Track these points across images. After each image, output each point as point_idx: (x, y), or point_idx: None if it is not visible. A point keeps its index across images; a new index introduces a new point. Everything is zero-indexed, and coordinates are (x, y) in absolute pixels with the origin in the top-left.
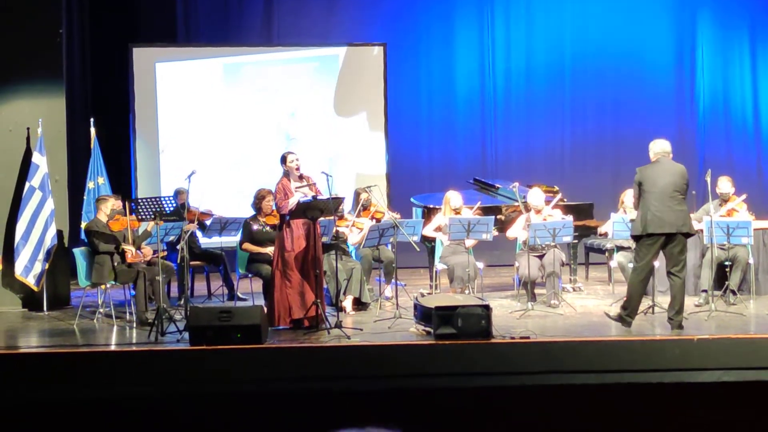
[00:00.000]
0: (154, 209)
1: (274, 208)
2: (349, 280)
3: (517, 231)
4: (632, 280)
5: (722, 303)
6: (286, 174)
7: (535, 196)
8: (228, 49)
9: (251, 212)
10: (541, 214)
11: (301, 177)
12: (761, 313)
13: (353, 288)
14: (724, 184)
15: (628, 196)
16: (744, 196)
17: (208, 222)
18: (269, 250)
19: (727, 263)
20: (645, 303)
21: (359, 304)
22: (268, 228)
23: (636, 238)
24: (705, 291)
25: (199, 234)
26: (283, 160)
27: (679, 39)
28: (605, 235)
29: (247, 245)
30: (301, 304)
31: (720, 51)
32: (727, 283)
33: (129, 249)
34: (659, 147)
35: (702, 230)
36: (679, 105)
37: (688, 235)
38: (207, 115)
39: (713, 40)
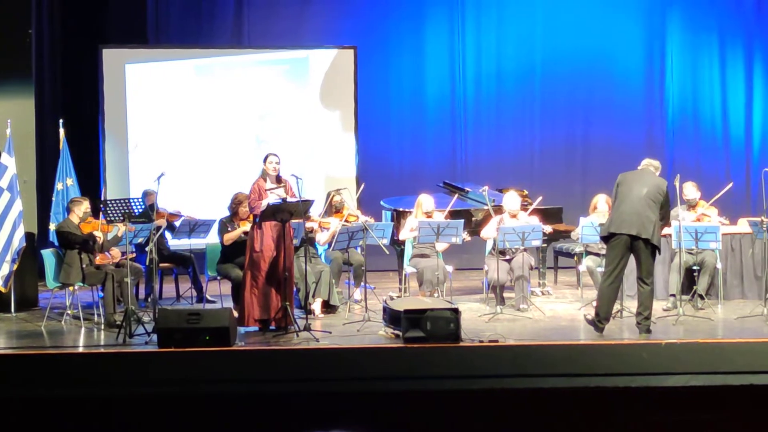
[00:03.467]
0: (122, 210)
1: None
2: (318, 282)
3: (491, 231)
4: (601, 285)
5: (690, 307)
6: (263, 174)
7: (511, 199)
8: (198, 51)
9: (220, 214)
10: (517, 218)
11: (278, 179)
12: (729, 318)
13: (322, 290)
14: (690, 190)
15: (601, 200)
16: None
17: (177, 223)
18: (243, 229)
19: (695, 268)
20: (614, 307)
21: (328, 307)
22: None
23: (604, 239)
24: (673, 295)
25: (168, 236)
26: (264, 160)
27: (648, 44)
28: (578, 237)
29: (226, 235)
30: (266, 306)
31: (689, 56)
32: (695, 287)
33: (98, 253)
34: (649, 160)
35: (671, 235)
36: (648, 110)
37: (652, 244)
38: (177, 117)
39: (683, 45)
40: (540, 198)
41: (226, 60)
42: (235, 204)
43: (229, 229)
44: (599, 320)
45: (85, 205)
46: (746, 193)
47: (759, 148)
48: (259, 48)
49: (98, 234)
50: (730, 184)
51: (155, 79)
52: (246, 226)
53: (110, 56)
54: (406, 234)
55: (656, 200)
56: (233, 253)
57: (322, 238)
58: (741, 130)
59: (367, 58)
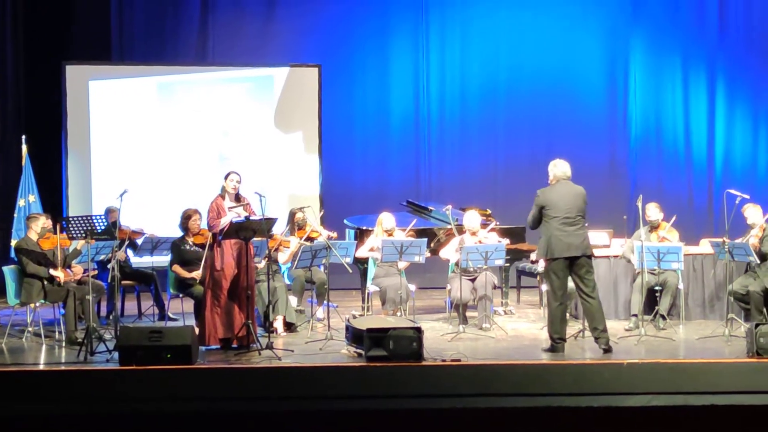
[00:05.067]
0: (85, 227)
1: (203, 226)
2: (275, 300)
3: (450, 252)
4: (551, 307)
5: (652, 328)
6: (222, 192)
7: (471, 218)
8: (162, 68)
9: (180, 233)
10: (476, 236)
11: (237, 198)
12: (690, 338)
13: (280, 308)
14: (653, 211)
15: None
16: (672, 220)
17: (139, 241)
18: (196, 274)
19: (657, 288)
20: (575, 327)
21: (286, 324)
22: (196, 247)
23: (545, 264)
24: (635, 315)
25: (130, 253)
26: (225, 177)
27: (612, 65)
28: (537, 262)
29: (176, 268)
30: (228, 324)
31: (653, 77)
32: (657, 307)
33: (58, 275)
34: (561, 170)
35: (633, 255)
36: (611, 130)
37: (590, 257)
38: (140, 134)
39: (646, 66)
40: (495, 223)
41: (190, 77)
42: (185, 219)
43: (183, 248)
44: (556, 341)
45: (43, 221)
46: (709, 214)
47: (721, 169)
48: (223, 66)
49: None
50: (674, 218)
51: (119, 96)
52: (196, 272)
53: (74, 73)
54: (363, 252)
55: (584, 213)
56: (194, 270)
57: (281, 257)
58: (703, 151)
59: (332, 77)
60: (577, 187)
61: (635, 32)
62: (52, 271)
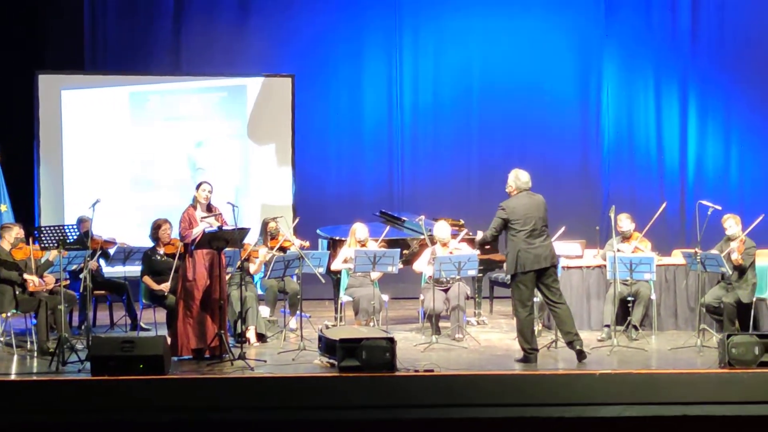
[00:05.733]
0: (57, 237)
1: (173, 236)
2: (246, 310)
3: (422, 265)
4: (521, 318)
5: (624, 338)
6: (194, 202)
7: (441, 229)
8: (135, 78)
9: (150, 243)
10: (447, 247)
11: (208, 208)
12: (663, 349)
13: (250, 318)
14: (624, 222)
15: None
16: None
17: (111, 251)
18: (164, 286)
19: (629, 299)
20: (548, 337)
21: (258, 336)
22: (167, 258)
23: (512, 275)
24: (607, 326)
25: (102, 263)
26: (197, 187)
27: (585, 75)
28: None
29: (146, 279)
30: (201, 334)
31: (625, 89)
32: (629, 318)
33: (31, 279)
34: (523, 181)
35: (605, 265)
36: (584, 140)
37: (555, 265)
38: (113, 144)
39: (619, 78)
40: (465, 231)
41: (163, 87)
42: (155, 229)
43: (153, 258)
44: (529, 351)
45: (16, 231)
46: (681, 225)
47: (693, 180)
48: (195, 76)
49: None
50: (664, 204)
51: (92, 106)
52: (164, 285)
53: (46, 82)
54: (338, 264)
55: (546, 221)
56: (165, 280)
57: (251, 267)
58: (676, 162)
59: (305, 86)
60: (537, 196)
61: (608, 43)
62: (26, 275)
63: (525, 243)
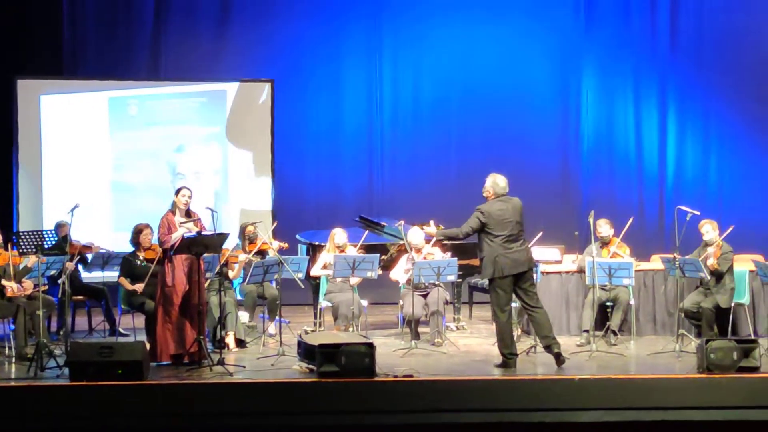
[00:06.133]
0: (35, 242)
1: (154, 242)
2: (225, 315)
3: (398, 274)
4: (501, 323)
5: (603, 343)
6: (173, 208)
7: (414, 235)
8: (114, 83)
9: (131, 248)
10: (421, 253)
11: (187, 213)
12: (641, 354)
13: (229, 324)
14: (604, 227)
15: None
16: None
17: (89, 256)
18: (137, 286)
19: (608, 304)
20: (527, 343)
21: (237, 342)
22: (147, 263)
23: (490, 280)
24: (587, 331)
25: (81, 269)
26: (176, 192)
27: (564, 81)
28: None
29: (122, 280)
30: (180, 340)
31: (605, 95)
32: (608, 323)
33: (10, 285)
34: (501, 186)
35: (585, 271)
36: (563, 146)
37: (533, 269)
38: (92, 148)
39: (598, 84)
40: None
41: (143, 92)
42: (136, 234)
43: (133, 263)
44: (508, 357)
45: None
46: (660, 230)
47: (672, 185)
48: (175, 81)
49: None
50: (631, 219)
51: (71, 111)
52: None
53: (25, 87)
54: (318, 270)
55: (522, 225)
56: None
57: (232, 273)
58: (655, 167)
59: (285, 91)
60: (514, 199)
61: (588, 48)
62: (4, 281)
63: (502, 248)
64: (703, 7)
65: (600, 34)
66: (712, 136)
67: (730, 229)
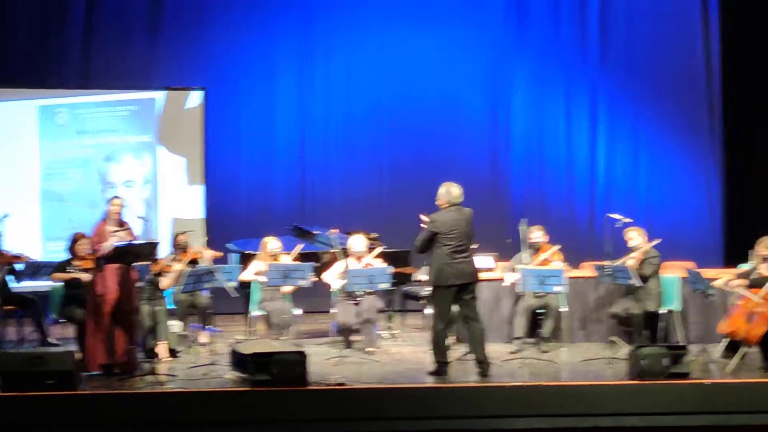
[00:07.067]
0: None
1: (89, 252)
2: (157, 324)
3: (332, 277)
4: (437, 331)
5: (535, 350)
6: (105, 217)
7: (357, 242)
8: (43, 91)
9: (66, 257)
10: (361, 261)
11: (120, 223)
12: (573, 361)
13: (160, 333)
14: (536, 234)
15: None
16: (558, 247)
17: (19, 266)
18: (81, 275)
19: (540, 311)
20: (460, 350)
21: (169, 351)
22: (81, 272)
23: (434, 287)
24: (518, 338)
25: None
26: (108, 202)
27: (495, 89)
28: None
29: (56, 274)
30: (110, 350)
31: (535, 102)
32: (539, 330)
33: None
34: (454, 195)
35: (503, 280)
36: (494, 155)
37: (476, 282)
38: (22, 157)
39: (529, 91)
40: (383, 247)
41: (72, 100)
42: (72, 242)
43: (66, 270)
44: (442, 364)
45: None
46: (591, 237)
47: (602, 192)
48: (105, 89)
49: None
50: (558, 247)
51: (0, 119)
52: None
53: None
54: (249, 275)
55: (471, 236)
56: (76, 294)
57: (164, 282)
58: (586, 175)
59: (216, 99)
60: (466, 210)
61: (519, 57)
62: None
63: (449, 257)
64: (632, 15)
65: (531, 42)
66: (642, 142)
67: (657, 241)
